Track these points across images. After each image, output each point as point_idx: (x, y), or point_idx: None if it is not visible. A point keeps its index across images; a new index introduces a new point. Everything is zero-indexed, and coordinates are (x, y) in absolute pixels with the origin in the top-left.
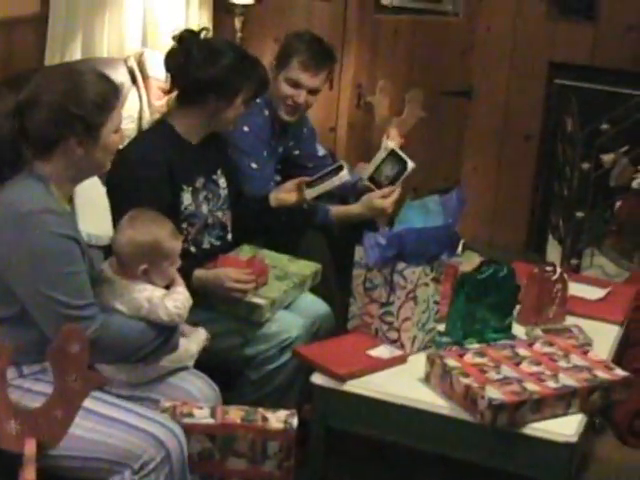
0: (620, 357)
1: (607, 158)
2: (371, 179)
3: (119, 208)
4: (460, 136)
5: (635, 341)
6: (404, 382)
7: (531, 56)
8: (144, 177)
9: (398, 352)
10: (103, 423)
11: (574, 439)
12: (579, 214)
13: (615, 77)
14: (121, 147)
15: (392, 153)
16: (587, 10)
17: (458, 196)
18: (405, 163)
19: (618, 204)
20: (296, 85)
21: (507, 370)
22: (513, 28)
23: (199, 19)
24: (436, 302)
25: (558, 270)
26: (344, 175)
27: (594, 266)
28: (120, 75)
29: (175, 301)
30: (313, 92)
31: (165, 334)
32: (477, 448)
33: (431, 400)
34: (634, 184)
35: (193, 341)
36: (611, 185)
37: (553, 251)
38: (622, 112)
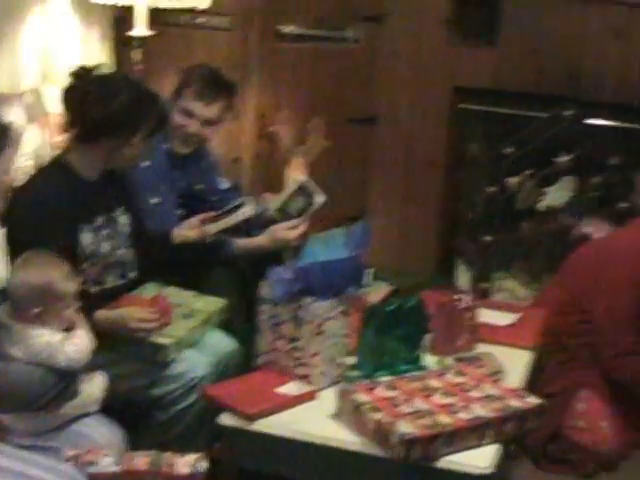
0: (532, 382)
1: (513, 181)
2: (280, 211)
3: (15, 250)
4: (366, 164)
5: (546, 365)
6: (315, 419)
7: (434, 81)
8: (40, 217)
9: (307, 388)
10: (3, 477)
11: (489, 470)
12: (487, 238)
13: (518, 100)
14: (18, 185)
15: (302, 186)
16: (488, 35)
17: (363, 228)
18: (314, 196)
19: (525, 227)
20: (189, 114)
21: (419, 403)
22: (415, 54)
23: (100, 53)
24: (345, 335)
25: (467, 298)
26: (247, 211)
27: (503, 289)
28: (14, 112)
29: (75, 345)
30: (209, 123)
31: (66, 380)
32: None
33: (343, 437)
34: (540, 206)
35: (95, 386)
36: (517, 208)
37: (463, 276)
38: (526, 135)
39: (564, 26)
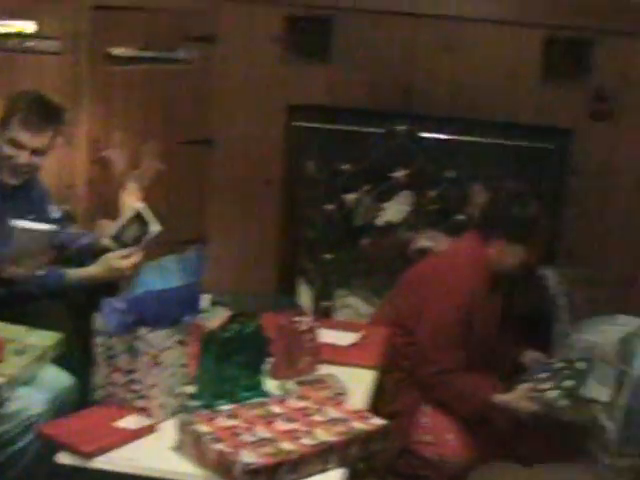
0: (376, 401)
1: (350, 198)
2: (114, 239)
3: None
4: (202, 186)
5: (386, 384)
6: (156, 453)
7: (268, 100)
8: None
9: (147, 421)
10: None
11: None
12: (327, 256)
13: (352, 116)
14: None
15: (137, 214)
16: (321, 53)
17: (198, 253)
18: (149, 225)
19: (364, 242)
20: (17, 145)
21: (261, 430)
22: (248, 73)
23: None
24: (183, 365)
25: (307, 319)
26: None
27: (346, 306)
28: None
29: None
30: (38, 153)
31: None
32: None
33: (184, 469)
34: (378, 222)
35: None
36: (356, 224)
37: (304, 295)
38: (362, 151)
39: (395, 41)
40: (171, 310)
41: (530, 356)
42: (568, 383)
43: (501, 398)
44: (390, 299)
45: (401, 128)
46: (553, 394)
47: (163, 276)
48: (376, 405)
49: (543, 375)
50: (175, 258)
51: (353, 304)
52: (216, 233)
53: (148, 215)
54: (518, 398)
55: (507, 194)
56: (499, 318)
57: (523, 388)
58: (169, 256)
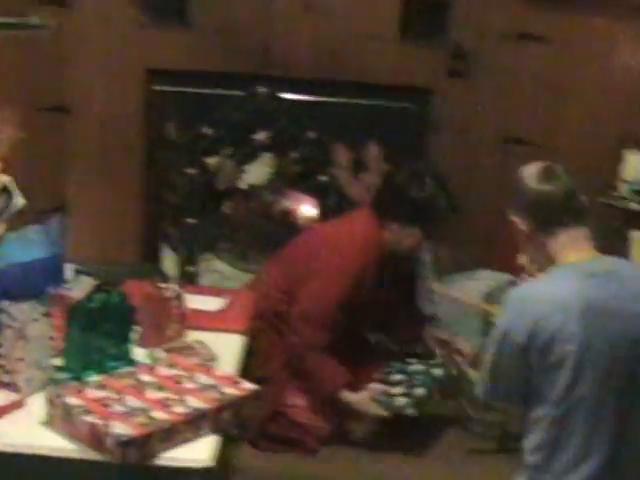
0: (246, 365)
1: (212, 161)
2: None
3: None
4: (61, 153)
5: (259, 350)
6: (25, 428)
7: (126, 65)
8: None
9: (14, 397)
10: None
11: (210, 463)
12: (190, 220)
13: (213, 80)
14: None
15: (4, 186)
16: (178, 16)
17: (60, 222)
18: (14, 198)
19: (228, 206)
20: None
21: (132, 400)
22: (105, 37)
23: None
24: (50, 337)
25: (173, 286)
26: None
27: (211, 271)
28: None
29: None
30: None
31: None
32: None
33: (56, 444)
34: (241, 185)
35: None
36: (219, 188)
37: (169, 261)
38: (222, 114)
39: (253, 2)
40: (35, 282)
41: (428, 333)
42: (420, 392)
43: (350, 397)
44: (277, 263)
45: (261, 90)
46: (402, 401)
47: (25, 247)
48: (248, 368)
49: (397, 377)
50: (36, 228)
51: (218, 268)
52: (77, 201)
53: (13, 187)
54: (367, 400)
55: (403, 176)
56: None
57: (373, 389)
58: (30, 226)
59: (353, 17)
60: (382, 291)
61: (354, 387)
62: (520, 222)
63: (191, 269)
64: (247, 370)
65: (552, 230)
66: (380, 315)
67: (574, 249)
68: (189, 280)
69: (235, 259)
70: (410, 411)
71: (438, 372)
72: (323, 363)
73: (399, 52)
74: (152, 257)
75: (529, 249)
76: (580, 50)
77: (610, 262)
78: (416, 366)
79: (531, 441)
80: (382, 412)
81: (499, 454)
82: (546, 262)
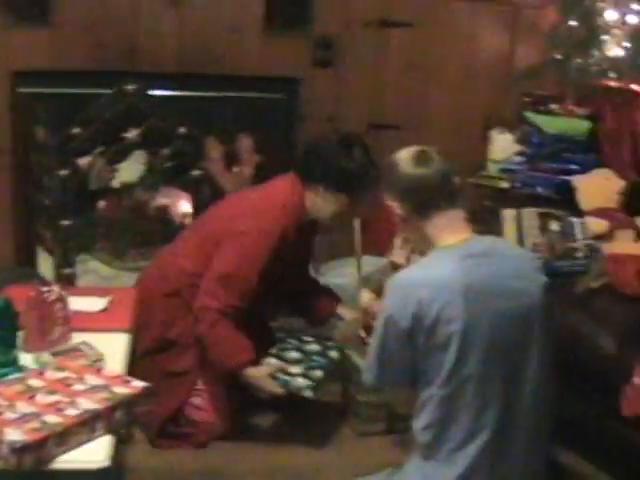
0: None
1: (83, 162)
2: None
3: None
4: None
5: (170, 344)
6: None
7: None
8: None
9: None
10: None
11: (106, 463)
12: (65, 222)
13: (80, 79)
14: None
15: None
16: (41, 15)
17: None
18: None
19: (101, 205)
20: None
21: (23, 406)
22: None
23: None
24: None
25: (55, 289)
26: None
27: (88, 272)
28: None
29: None
30: None
31: None
32: None
33: None
34: (114, 183)
35: None
36: (92, 188)
37: (44, 263)
38: (91, 113)
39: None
40: None
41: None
42: (318, 374)
43: (250, 372)
44: (192, 229)
45: (130, 87)
46: (301, 383)
47: None
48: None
49: (295, 355)
50: None
51: (96, 269)
52: None
53: None
54: (265, 376)
55: (331, 145)
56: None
57: (272, 365)
58: None
59: (218, 10)
60: (301, 260)
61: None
62: (396, 206)
63: (68, 271)
64: (159, 364)
65: (428, 213)
66: (293, 290)
67: (451, 231)
68: (67, 282)
69: (112, 259)
70: (308, 393)
71: (334, 354)
72: (232, 334)
73: (265, 43)
74: (27, 261)
75: (407, 233)
76: (444, 34)
77: (487, 242)
78: (313, 346)
79: (421, 421)
80: (278, 390)
81: (387, 435)
82: (424, 245)
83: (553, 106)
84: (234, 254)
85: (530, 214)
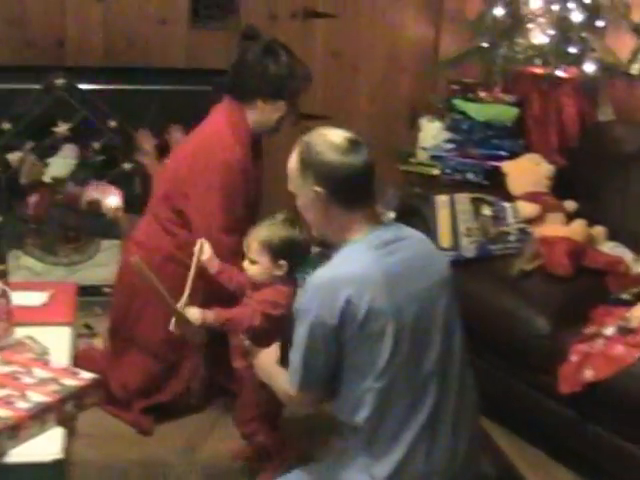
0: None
1: (14, 157)
2: None
3: None
4: None
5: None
6: None
7: None
8: None
9: None
10: None
11: (60, 455)
12: None
13: (5, 74)
14: None
15: None
16: None
17: None
18: None
19: (32, 201)
20: None
21: None
22: None
23: None
24: None
25: None
26: None
27: (21, 268)
28: None
29: None
30: None
31: None
32: None
33: None
34: (45, 178)
35: None
36: (22, 183)
37: None
38: (21, 108)
39: None
40: None
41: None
42: None
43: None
44: (160, 180)
45: (58, 82)
46: None
47: None
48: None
49: None
50: None
51: (28, 265)
52: None
53: None
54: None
55: (256, 53)
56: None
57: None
58: None
59: (145, 2)
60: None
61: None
62: (315, 194)
63: (0, 268)
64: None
65: (349, 203)
66: None
67: (365, 222)
68: None
69: (44, 254)
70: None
71: None
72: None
73: (191, 36)
74: None
75: (320, 222)
76: (367, 23)
77: (392, 228)
78: None
79: (360, 415)
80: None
81: None
82: (336, 234)
83: (481, 93)
84: (216, 203)
85: (463, 199)
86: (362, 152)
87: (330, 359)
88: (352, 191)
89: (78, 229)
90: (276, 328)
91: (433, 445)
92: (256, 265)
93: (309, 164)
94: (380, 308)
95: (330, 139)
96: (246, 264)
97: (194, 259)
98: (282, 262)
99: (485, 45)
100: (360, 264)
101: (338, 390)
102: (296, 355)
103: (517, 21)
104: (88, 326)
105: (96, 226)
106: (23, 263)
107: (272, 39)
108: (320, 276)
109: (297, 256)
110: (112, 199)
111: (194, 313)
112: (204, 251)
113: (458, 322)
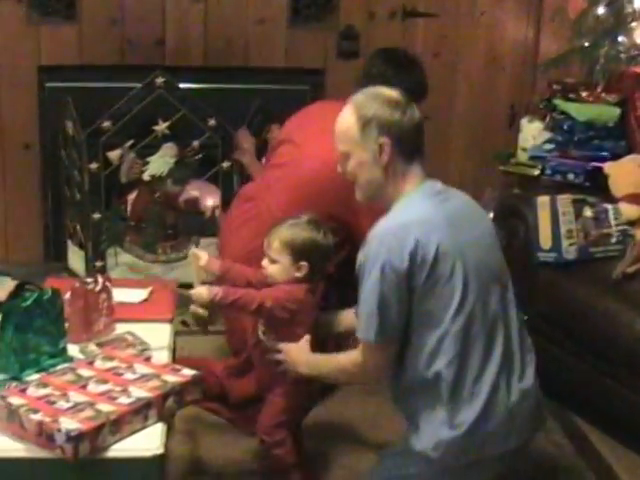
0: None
1: (113, 155)
2: None
3: None
4: None
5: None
6: None
7: (18, 62)
8: None
9: None
10: None
11: (160, 450)
12: (96, 216)
13: (106, 73)
14: None
15: None
16: (67, 10)
17: None
18: None
19: (132, 199)
20: None
21: (76, 396)
22: None
23: None
24: None
25: (100, 280)
26: None
27: (119, 265)
28: None
29: None
30: None
31: None
32: None
33: (4, 446)
34: (144, 176)
35: None
36: (122, 181)
37: (75, 257)
38: (121, 107)
39: None
40: None
41: None
42: None
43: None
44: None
45: (159, 81)
46: None
47: None
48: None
49: None
50: None
51: (127, 262)
52: None
53: None
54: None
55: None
56: None
57: None
58: None
59: (242, 4)
60: None
61: None
62: (380, 146)
63: (99, 264)
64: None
65: (410, 154)
66: None
67: (420, 174)
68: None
69: (142, 251)
70: None
71: None
72: None
73: (291, 35)
74: (57, 255)
75: (377, 178)
76: (466, 23)
77: (439, 182)
78: None
79: (441, 361)
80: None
81: None
82: (392, 188)
83: (582, 93)
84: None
85: (564, 201)
86: (414, 106)
87: (402, 307)
88: (414, 142)
89: (176, 227)
90: (296, 322)
91: (510, 381)
92: (276, 265)
93: (371, 118)
94: (447, 249)
95: (386, 95)
96: (265, 262)
97: (193, 267)
98: (303, 263)
99: (587, 44)
100: (422, 209)
101: (409, 344)
102: (369, 306)
103: (620, 20)
104: (185, 323)
105: (194, 224)
106: (122, 260)
107: (410, 54)
108: (384, 225)
109: (318, 259)
110: (210, 198)
111: (202, 291)
112: (200, 257)
113: (509, 275)
